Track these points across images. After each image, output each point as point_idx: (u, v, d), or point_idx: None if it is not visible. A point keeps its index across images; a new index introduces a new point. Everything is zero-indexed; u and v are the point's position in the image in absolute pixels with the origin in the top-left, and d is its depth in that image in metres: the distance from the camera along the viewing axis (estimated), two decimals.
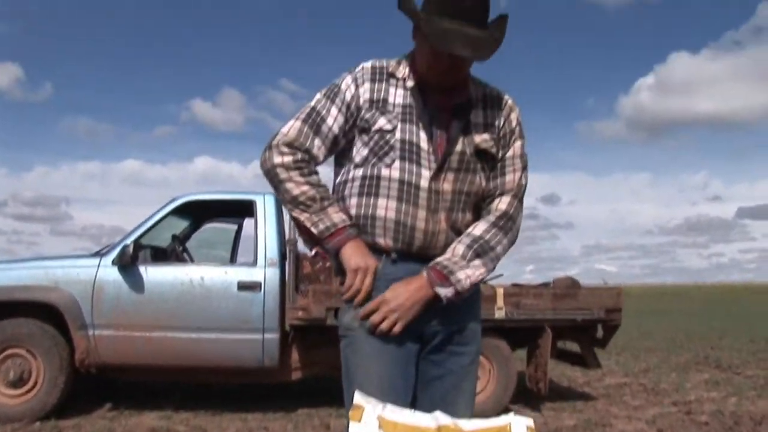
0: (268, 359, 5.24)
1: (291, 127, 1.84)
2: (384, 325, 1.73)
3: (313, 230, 1.79)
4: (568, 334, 6.01)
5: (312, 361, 5.51)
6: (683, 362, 9.12)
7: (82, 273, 5.31)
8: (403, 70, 1.87)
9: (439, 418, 1.56)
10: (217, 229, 6.91)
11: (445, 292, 1.75)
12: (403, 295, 1.74)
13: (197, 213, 6.39)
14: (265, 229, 5.47)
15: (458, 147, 1.83)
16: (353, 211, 1.84)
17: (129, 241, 5.36)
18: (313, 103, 1.87)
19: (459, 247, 1.80)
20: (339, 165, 1.95)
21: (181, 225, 6.38)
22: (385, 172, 1.80)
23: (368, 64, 1.90)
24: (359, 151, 1.85)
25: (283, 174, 1.81)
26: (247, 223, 6.55)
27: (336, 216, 1.79)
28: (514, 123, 1.93)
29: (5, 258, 6.27)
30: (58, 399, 5.11)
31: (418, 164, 1.80)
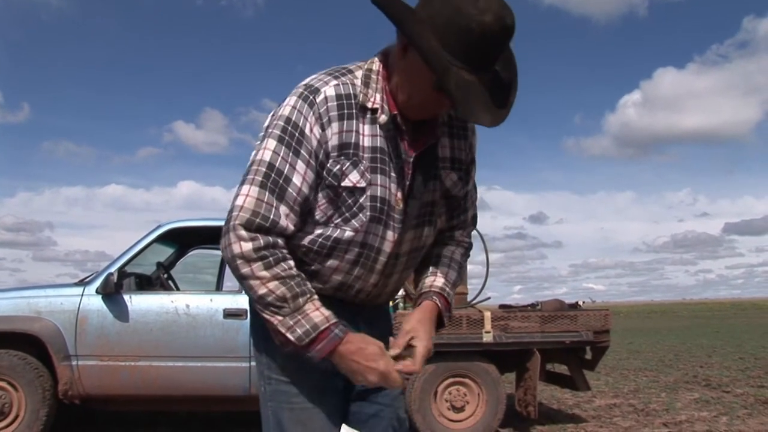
0: (254, 387, 5.17)
1: (246, 198, 1.43)
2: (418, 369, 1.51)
3: (290, 336, 1.43)
4: (556, 356, 5.99)
5: None
6: (673, 381, 9.10)
7: (65, 302, 5.24)
8: (374, 97, 1.49)
9: None
10: (202, 256, 6.86)
11: (446, 320, 1.64)
12: (430, 333, 1.56)
13: (182, 239, 6.35)
14: None
15: (421, 199, 1.57)
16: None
17: (113, 269, 5.30)
18: (267, 158, 1.44)
19: (451, 274, 1.67)
20: None
21: (166, 252, 6.34)
22: (348, 234, 1.50)
23: (331, 92, 1.46)
24: (322, 209, 1.50)
25: (243, 268, 1.42)
26: None
27: (316, 314, 1.44)
28: (474, 150, 1.66)
29: None
30: None
31: (386, 226, 1.53)
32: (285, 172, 1.43)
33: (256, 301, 1.45)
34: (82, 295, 5.26)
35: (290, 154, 1.44)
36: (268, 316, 1.44)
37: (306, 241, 1.52)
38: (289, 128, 1.44)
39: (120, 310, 5.20)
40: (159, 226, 5.68)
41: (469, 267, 6.15)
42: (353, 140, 1.46)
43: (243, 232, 1.41)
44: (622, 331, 21.71)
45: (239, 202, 1.43)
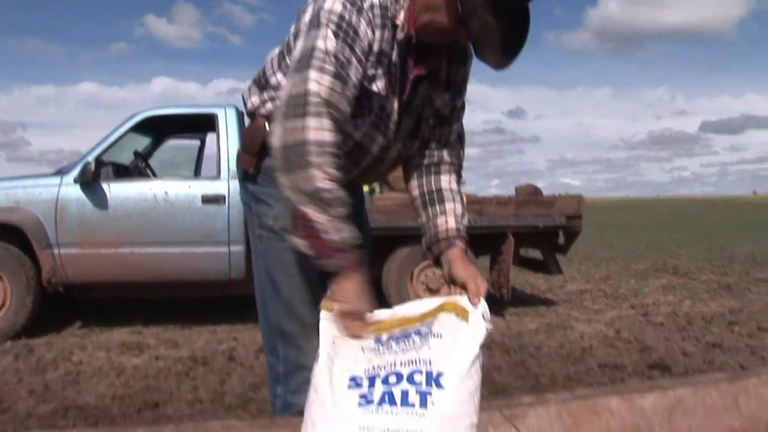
0: (234, 271, 5.28)
1: (320, 86, 1.39)
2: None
3: (324, 236, 1.39)
4: (530, 241, 6.14)
5: None
6: (642, 269, 9.42)
7: (44, 192, 5.24)
8: (400, 14, 1.53)
9: (397, 310, 1.54)
10: (179, 146, 6.84)
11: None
12: (477, 271, 1.62)
13: (158, 129, 6.29)
14: (227, 142, 5.42)
15: (413, 115, 1.65)
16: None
17: (90, 158, 5.28)
18: (331, 48, 1.41)
19: (458, 208, 1.70)
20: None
21: (142, 142, 6.29)
22: (348, 129, 1.53)
23: (376, 0, 1.49)
24: None
25: (314, 157, 1.36)
26: (210, 138, 6.47)
27: (353, 230, 1.43)
28: (469, 71, 1.72)
29: None
30: (27, 319, 5.11)
31: (378, 129, 1.60)
32: (345, 66, 1.43)
33: (308, 193, 1.37)
34: (60, 184, 5.25)
35: (346, 49, 1.43)
36: (311, 210, 1.38)
37: None
38: (344, 25, 1.44)
39: (99, 199, 5.21)
40: (134, 115, 5.61)
41: None
42: (386, 50, 1.52)
43: (327, 121, 1.38)
44: (597, 224, 22.18)
45: (313, 87, 1.38)
